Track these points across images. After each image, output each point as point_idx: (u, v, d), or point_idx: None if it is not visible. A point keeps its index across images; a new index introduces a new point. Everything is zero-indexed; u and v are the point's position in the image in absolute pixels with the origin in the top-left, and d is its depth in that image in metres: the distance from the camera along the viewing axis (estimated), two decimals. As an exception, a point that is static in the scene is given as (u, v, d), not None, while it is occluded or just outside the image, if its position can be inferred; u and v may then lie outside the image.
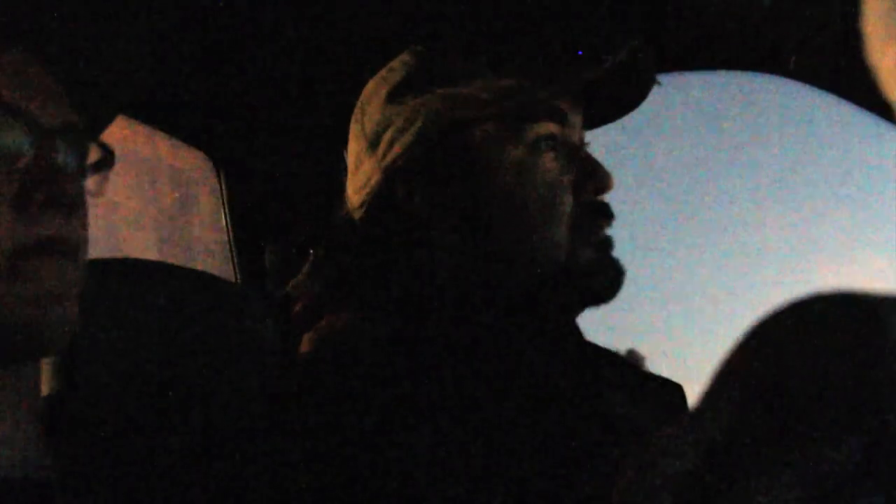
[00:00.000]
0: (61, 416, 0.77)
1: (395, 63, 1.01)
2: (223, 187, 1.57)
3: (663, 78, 1.38)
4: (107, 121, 0.79)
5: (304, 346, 0.96)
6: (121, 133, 1.55)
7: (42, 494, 0.67)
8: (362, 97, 1.02)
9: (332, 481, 0.79)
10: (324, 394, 0.85)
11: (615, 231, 0.98)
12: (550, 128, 0.95)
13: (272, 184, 1.55)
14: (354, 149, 1.02)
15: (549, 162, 0.95)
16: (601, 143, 1.03)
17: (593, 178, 0.96)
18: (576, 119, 0.98)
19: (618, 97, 1.01)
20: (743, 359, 0.44)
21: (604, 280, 0.96)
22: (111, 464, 0.73)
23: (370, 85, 1.02)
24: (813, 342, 0.41)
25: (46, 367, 0.96)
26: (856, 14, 0.51)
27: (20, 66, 0.69)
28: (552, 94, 0.95)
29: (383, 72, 1.01)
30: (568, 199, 0.94)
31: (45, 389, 0.95)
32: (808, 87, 1.33)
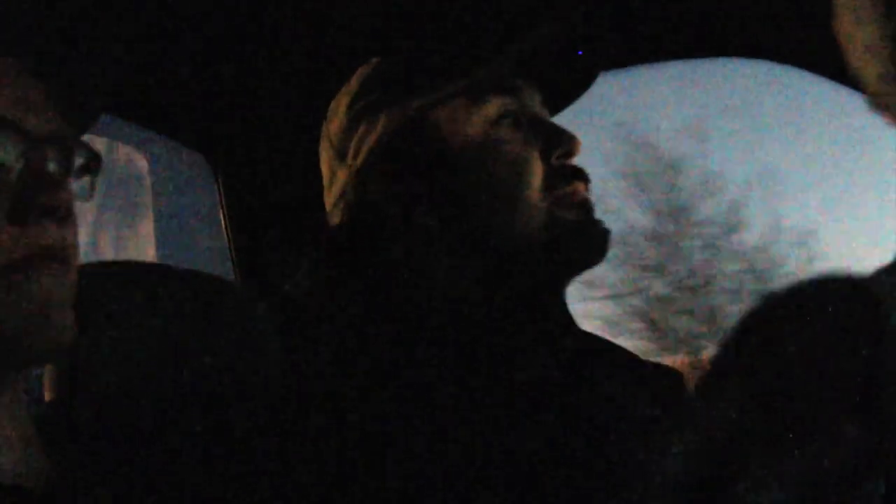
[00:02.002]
0: (60, 422, 0.77)
1: (352, 78, 1.04)
2: (221, 189, 1.57)
3: (662, 66, 1.38)
4: (90, 123, 0.79)
5: (303, 346, 0.96)
6: (118, 136, 1.55)
7: (40, 502, 0.67)
8: (327, 116, 1.05)
9: (334, 480, 0.79)
10: (326, 390, 0.85)
11: (612, 220, 0.98)
12: (506, 102, 0.97)
13: (270, 185, 1.55)
14: (326, 164, 1.04)
15: (511, 134, 0.96)
16: (599, 137, 1.04)
17: (560, 143, 0.97)
18: (531, 93, 1.00)
19: (567, 70, 1.02)
20: (741, 349, 0.43)
21: (589, 240, 0.96)
22: (110, 470, 0.73)
23: (332, 104, 1.05)
24: (811, 331, 0.41)
25: (47, 372, 0.96)
26: None
27: (3, 72, 0.69)
28: (499, 69, 0.97)
29: (343, 89, 1.04)
30: (537, 166, 0.95)
31: (46, 396, 0.95)
32: (806, 73, 1.33)
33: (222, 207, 1.57)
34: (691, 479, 0.41)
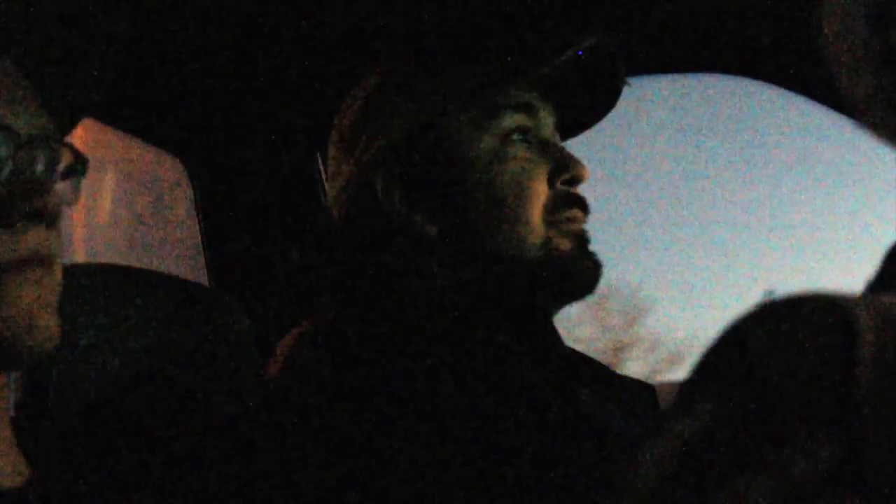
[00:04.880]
0: (33, 423, 0.77)
1: (371, 76, 1.03)
2: (196, 192, 1.57)
3: (651, 80, 1.39)
4: (73, 124, 0.78)
5: (284, 350, 0.95)
6: (94, 137, 1.53)
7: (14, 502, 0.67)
8: (340, 110, 1.05)
9: (318, 486, 0.79)
10: (309, 396, 0.84)
11: (599, 230, 0.99)
12: (520, 120, 0.97)
13: (245, 189, 1.55)
14: (333, 157, 1.04)
15: (521, 152, 0.97)
16: (589, 147, 1.04)
17: (567, 168, 0.97)
18: (547, 115, 1.00)
19: (588, 95, 1.03)
20: (717, 360, 0.44)
21: (582, 274, 0.96)
22: (83, 471, 0.73)
23: (348, 99, 1.05)
24: (788, 344, 0.41)
25: (17, 373, 0.95)
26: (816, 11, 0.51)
27: None
28: (519, 88, 0.97)
29: (360, 85, 1.04)
30: (542, 188, 0.96)
31: (15, 396, 0.94)
32: (786, 91, 1.34)
33: (197, 210, 1.56)
34: (664, 492, 0.41)
